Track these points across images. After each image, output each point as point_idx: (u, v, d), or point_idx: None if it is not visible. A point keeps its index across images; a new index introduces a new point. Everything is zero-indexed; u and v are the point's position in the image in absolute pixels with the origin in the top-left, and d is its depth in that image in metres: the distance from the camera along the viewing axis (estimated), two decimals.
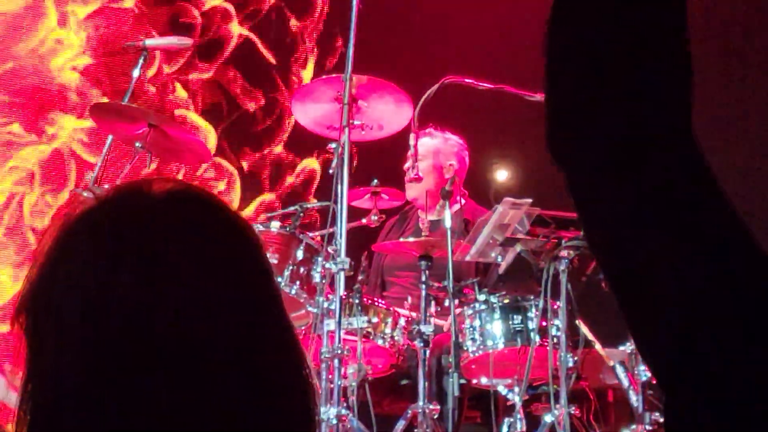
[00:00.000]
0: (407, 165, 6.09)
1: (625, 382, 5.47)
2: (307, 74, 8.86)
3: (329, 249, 5.29)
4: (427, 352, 5.52)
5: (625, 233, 1.35)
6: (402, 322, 5.77)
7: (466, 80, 5.67)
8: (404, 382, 5.97)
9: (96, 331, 1.39)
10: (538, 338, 5.57)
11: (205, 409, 1.38)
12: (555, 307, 5.49)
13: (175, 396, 1.38)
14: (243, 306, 1.45)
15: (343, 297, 5.18)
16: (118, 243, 1.43)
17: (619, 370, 5.51)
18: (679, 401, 1.34)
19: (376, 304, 5.77)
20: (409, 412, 5.47)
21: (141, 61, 5.71)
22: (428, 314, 5.61)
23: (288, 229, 5.62)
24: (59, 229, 1.48)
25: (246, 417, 1.40)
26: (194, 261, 1.43)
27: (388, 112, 5.77)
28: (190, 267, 1.42)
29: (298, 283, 5.52)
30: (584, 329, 5.50)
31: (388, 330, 5.75)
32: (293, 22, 8.86)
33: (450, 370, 5.38)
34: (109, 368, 1.38)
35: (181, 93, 8.33)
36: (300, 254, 5.59)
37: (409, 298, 6.02)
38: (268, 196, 8.71)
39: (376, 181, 6.02)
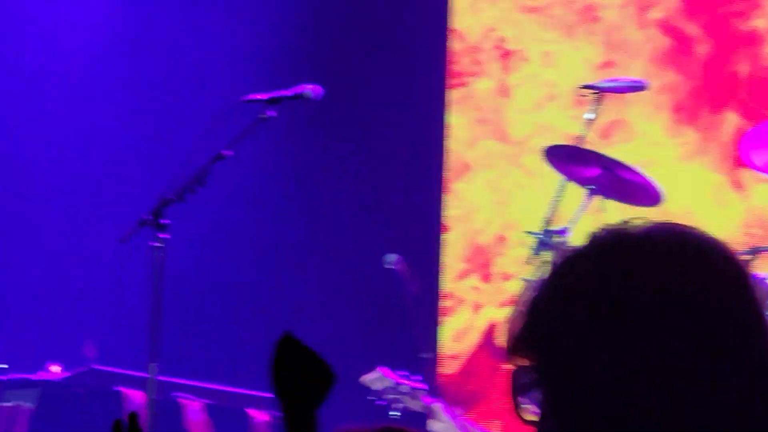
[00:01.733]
0: None
1: None
2: None
3: None
4: None
5: None
6: None
7: None
8: None
9: (613, 369, 1.40)
10: None
11: None
12: None
13: None
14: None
15: None
16: (620, 281, 1.43)
17: None
18: None
19: None
20: None
21: (596, 105, 5.72)
22: None
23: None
24: (553, 270, 1.48)
25: None
26: (702, 298, 1.42)
27: None
28: (699, 304, 1.41)
29: None
30: None
31: None
32: None
33: None
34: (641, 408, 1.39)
35: None
36: None
37: None
38: None
39: None
